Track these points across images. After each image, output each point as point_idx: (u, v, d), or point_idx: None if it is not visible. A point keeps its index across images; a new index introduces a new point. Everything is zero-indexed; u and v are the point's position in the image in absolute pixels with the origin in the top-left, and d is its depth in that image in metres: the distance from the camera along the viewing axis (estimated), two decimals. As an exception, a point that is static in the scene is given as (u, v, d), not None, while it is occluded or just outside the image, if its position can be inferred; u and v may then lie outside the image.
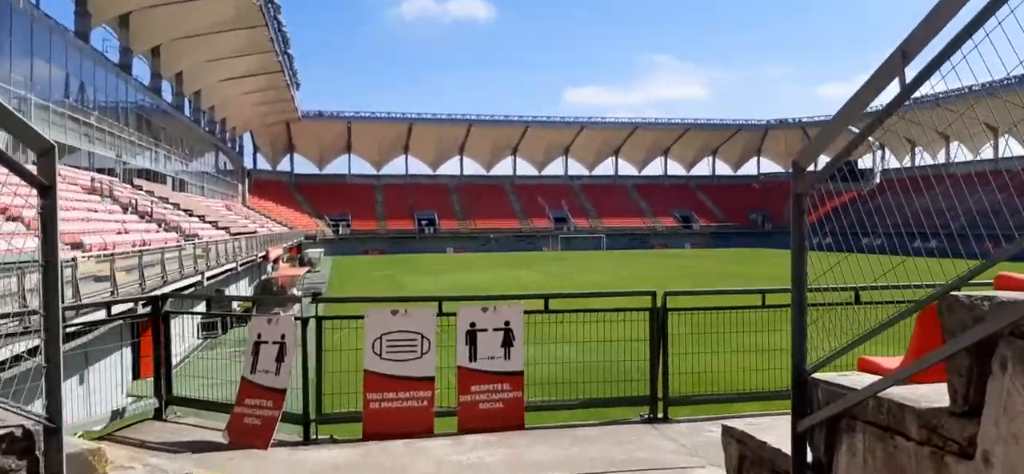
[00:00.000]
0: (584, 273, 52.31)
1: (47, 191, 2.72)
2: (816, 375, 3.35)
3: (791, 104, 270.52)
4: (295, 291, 35.86)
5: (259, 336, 5.38)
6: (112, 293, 13.61)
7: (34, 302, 9.96)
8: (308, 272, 50.96)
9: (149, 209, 31.68)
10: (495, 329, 5.52)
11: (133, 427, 5.82)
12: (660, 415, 6.03)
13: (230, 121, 75.64)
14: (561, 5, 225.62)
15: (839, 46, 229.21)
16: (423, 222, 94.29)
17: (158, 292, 15.61)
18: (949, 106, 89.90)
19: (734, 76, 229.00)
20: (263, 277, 38.52)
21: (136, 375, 20.32)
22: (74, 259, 11.79)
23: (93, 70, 35.70)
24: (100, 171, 35.20)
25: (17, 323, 7.24)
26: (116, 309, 13.62)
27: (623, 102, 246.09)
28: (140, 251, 16.32)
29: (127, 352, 19.33)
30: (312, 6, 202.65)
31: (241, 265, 32.48)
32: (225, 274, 28.07)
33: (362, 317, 5.46)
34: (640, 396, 6.10)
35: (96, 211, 25.05)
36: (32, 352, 7.92)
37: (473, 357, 5.47)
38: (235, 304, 34.77)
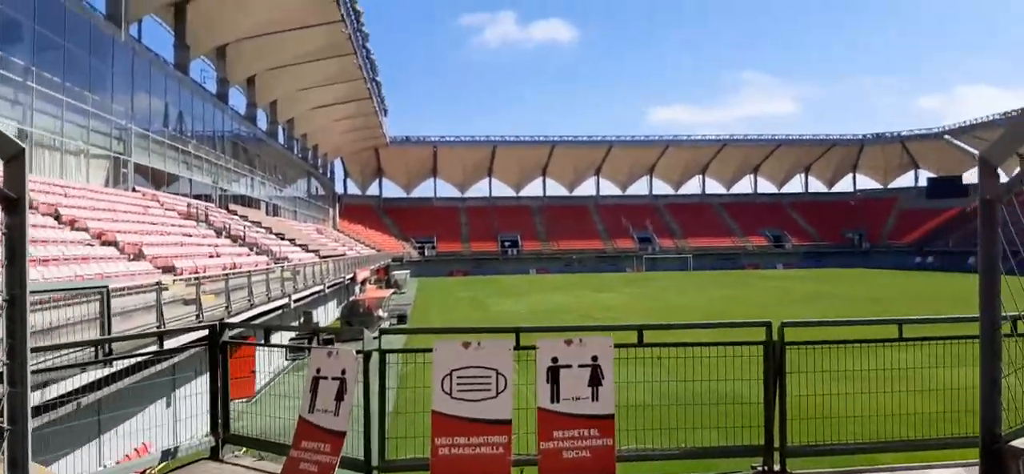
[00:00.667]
0: (674, 295, 50.71)
1: (14, 206, 2.15)
2: (1016, 443, 2.50)
3: (888, 118, 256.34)
4: (381, 313, 36.07)
5: (318, 371, 4.85)
6: (198, 318, 13.66)
7: (113, 328, 9.89)
8: (394, 293, 51.46)
9: (242, 233, 32.55)
10: (581, 365, 4.79)
11: (185, 468, 5.41)
12: (776, 467, 5.12)
13: (321, 148, 77.97)
14: (644, 24, 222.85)
15: (937, 57, 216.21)
16: (506, 243, 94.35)
17: (229, 319, 15.62)
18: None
19: (825, 90, 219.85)
20: (350, 299, 38.98)
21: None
22: (159, 282, 11.85)
23: (191, 100, 37.23)
24: (198, 197, 36.61)
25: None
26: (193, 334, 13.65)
27: (710, 120, 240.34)
28: (227, 274, 16.48)
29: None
30: (398, 36, 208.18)
31: (329, 287, 32.89)
32: (312, 296, 28.38)
33: (431, 350, 4.86)
34: (752, 445, 5.18)
35: (190, 235, 25.82)
36: (88, 388, 7.72)
37: (556, 398, 4.76)
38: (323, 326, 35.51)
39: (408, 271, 75.89)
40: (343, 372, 4.72)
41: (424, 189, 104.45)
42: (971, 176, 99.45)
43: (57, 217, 17.68)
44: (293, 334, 30.54)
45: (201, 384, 16.76)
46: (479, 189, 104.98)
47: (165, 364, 12.41)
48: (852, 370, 5.49)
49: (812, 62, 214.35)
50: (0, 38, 19.06)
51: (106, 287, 9.23)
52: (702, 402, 5.24)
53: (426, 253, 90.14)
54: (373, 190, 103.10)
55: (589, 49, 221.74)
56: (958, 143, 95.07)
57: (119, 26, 27.11)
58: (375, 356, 5.04)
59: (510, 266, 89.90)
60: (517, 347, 4.94)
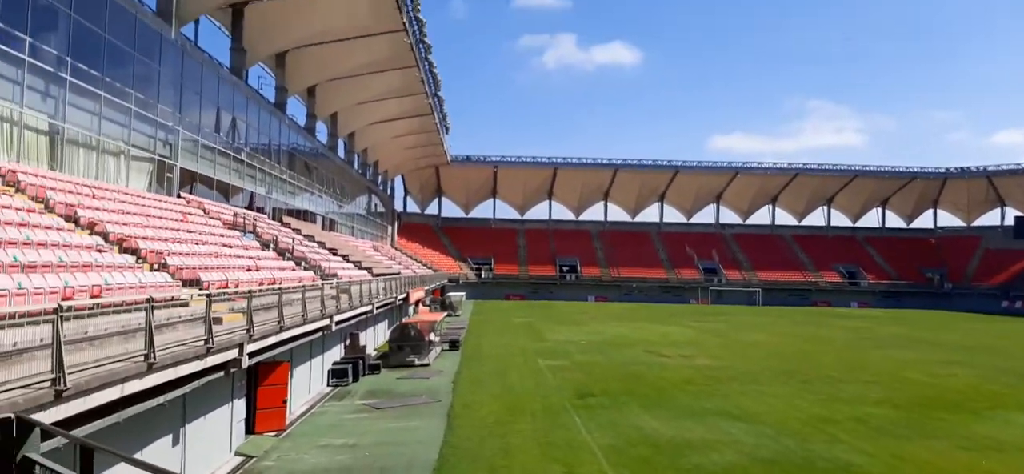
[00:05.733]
0: (745, 332, 47.04)
1: None
2: None
3: (960, 153, 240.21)
4: (433, 337, 33.88)
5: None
6: (206, 342, 11.54)
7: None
8: (447, 316, 49.33)
9: (290, 246, 30.87)
10: None
11: None
12: None
13: (382, 164, 76.93)
14: (708, 49, 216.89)
15: (1015, 89, 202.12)
16: (565, 268, 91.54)
17: (252, 343, 13.43)
18: None
19: (894, 122, 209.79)
20: (401, 322, 36.92)
21: (250, 429, 18.46)
22: (149, 300, 9.73)
23: (246, 106, 35.97)
24: (250, 208, 35.18)
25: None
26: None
27: (771, 149, 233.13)
28: (251, 292, 14.42)
29: (238, 405, 17.53)
30: (457, 56, 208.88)
31: (378, 308, 30.83)
32: (358, 318, 26.32)
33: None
34: None
35: (231, 247, 24.11)
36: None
37: None
38: (371, 349, 33.41)
39: (463, 293, 73.93)
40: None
41: (483, 210, 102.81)
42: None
43: (74, 219, 15.99)
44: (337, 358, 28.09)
45: (221, 414, 14.34)
46: (539, 211, 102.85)
47: (186, 389, 10.35)
48: None
49: (880, 93, 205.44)
50: (33, 25, 17.63)
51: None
52: None
53: (483, 275, 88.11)
54: (432, 209, 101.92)
55: (652, 73, 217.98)
56: None
57: (169, 23, 25.79)
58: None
59: (568, 292, 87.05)
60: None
